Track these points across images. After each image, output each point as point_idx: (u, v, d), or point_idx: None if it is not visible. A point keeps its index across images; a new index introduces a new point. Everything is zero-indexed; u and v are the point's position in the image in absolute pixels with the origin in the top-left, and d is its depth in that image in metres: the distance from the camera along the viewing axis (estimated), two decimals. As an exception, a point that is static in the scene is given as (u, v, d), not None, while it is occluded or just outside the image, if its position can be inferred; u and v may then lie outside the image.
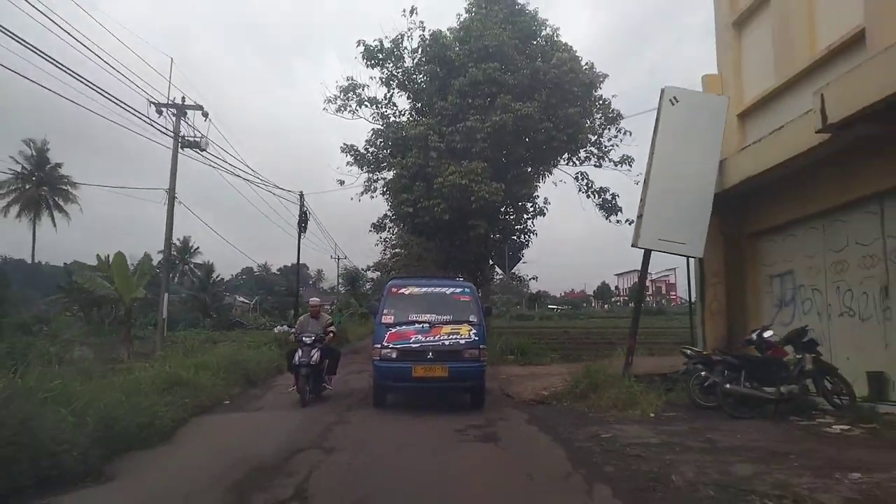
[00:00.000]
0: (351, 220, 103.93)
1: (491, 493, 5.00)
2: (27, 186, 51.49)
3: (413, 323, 9.00)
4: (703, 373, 8.42)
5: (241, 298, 70.15)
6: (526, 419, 8.38)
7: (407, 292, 9.72)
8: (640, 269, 11.39)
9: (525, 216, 20.83)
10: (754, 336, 8.54)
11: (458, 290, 9.80)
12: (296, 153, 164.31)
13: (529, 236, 22.40)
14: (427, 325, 8.94)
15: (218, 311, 48.74)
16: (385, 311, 9.29)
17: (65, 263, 41.88)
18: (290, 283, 49.92)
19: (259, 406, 9.62)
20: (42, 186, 52.25)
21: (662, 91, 9.78)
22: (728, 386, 7.80)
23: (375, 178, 20.97)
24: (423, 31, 19.51)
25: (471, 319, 9.08)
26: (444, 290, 9.77)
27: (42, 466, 4.60)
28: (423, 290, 9.79)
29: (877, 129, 6.85)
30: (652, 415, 8.05)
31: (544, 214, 21.23)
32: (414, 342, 8.76)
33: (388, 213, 22.29)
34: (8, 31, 9.48)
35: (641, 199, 9.83)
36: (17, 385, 5.52)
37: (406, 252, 32.08)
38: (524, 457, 6.22)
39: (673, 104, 9.77)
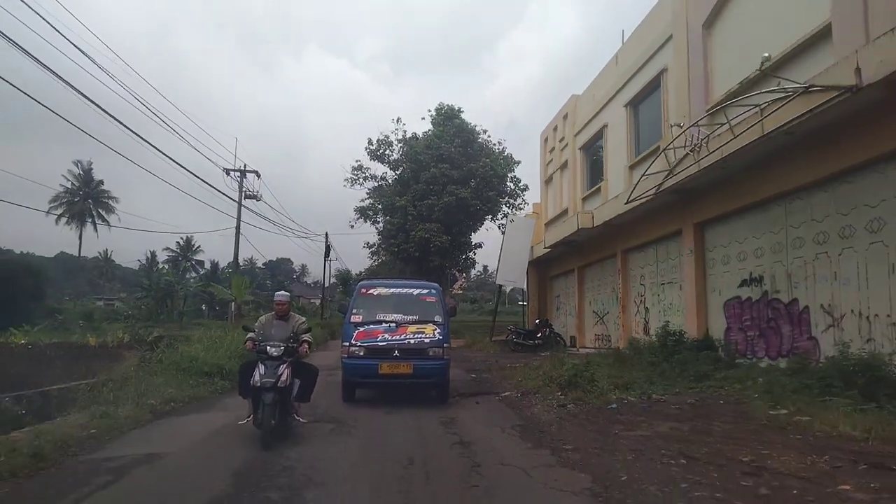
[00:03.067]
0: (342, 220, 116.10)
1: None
2: (76, 199, 62.84)
3: (381, 322, 9.11)
4: (513, 335, 20.96)
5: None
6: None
7: (376, 293, 9.83)
8: (498, 293, 24.20)
9: (465, 254, 33.50)
10: (538, 322, 21.22)
11: (425, 291, 9.96)
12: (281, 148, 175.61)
13: (473, 260, 35.31)
14: (394, 324, 9.06)
15: (220, 304, 60.39)
16: (354, 311, 9.42)
17: (139, 262, 54.90)
18: (276, 276, 61.00)
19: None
20: (88, 200, 63.66)
21: (507, 216, 22.44)
22: (515, 339, 20.36)
23: (377, 221, 33.54)
24: (405, 133, 32.07)
25: (436, 319, 9.27)
26: (411, 290, 9.95)
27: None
28: (391, 290, 9.95)
29: (560, 251, 19.57)
30: (492, 351, 20.57)
31: (481, 246, 34.12)
32: (380, 340, 8.85)
33: (381, 244, 34.72)
34: (110, 114, 21.55)
35: (498, 263, 22.44)
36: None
37: (391, 267, 44.52)
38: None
39: (513, 221, 22.42)
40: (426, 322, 9.22)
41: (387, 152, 32.50)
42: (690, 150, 10.49)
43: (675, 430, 6.66)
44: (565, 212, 20.58)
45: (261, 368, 6.34)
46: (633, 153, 15.45)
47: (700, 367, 10.28)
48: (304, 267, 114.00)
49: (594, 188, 18.20)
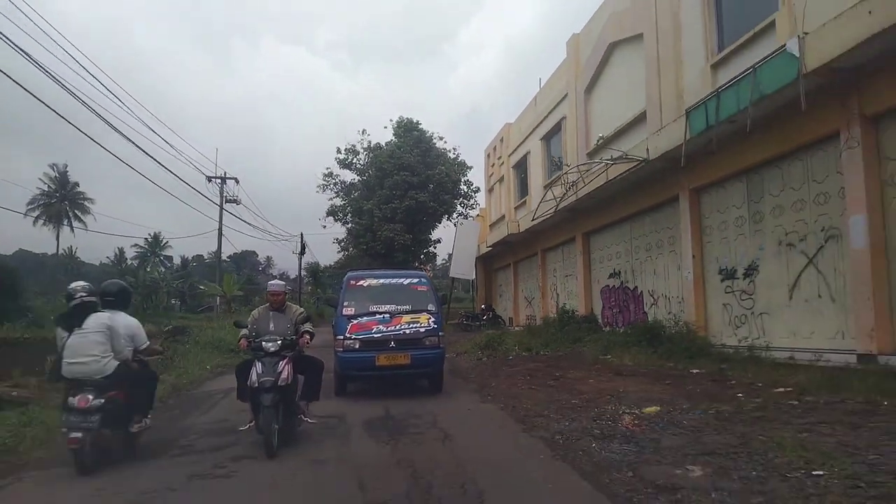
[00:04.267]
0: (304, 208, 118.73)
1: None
2: (52, 201, 64.96)
3: (374, 314, 9.02)
4: (464, 318, 25.63)
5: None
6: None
7: (365, 284, 9.77)
8: (452, 284, 28.89)
9: (425, 248, 38.05)
10: (483, 307, 26.01)
11: (416, 280, 9.96)
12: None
13: (435, 254, 39.92)
14: (388, 315, 8.98)
15: (192, 297, 63.86)
16: (346, 304, 9.31)
17: (108, 258, 57.82)
18: (241, 269, 64.88)
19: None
20: (64, 201, 65.80)
21: (456, 223, 27.08)
22: (465, 321, 25.07)
23: (346, 221, 37.80)
24: (370, 143, 36.35)
25: (429, 308, 9.29)
26: (401, 280, 9.92)
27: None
28: (381, 281, 9.88)
29: (500, 249, 24.37)
30: (448, 332, 25.24)
31: (440, 241, 38.67)
32: (376, 332, 8.75)
33: (349, 242, 38.97)
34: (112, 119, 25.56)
35: (450, 256, 27.09)
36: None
37: (358, 261, 48.84)
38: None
39: (462, 224, 27.09)
40: (419, 311, 9.19)
41: (354, 161, 36.67)
42: (571, 185, 15.26)
43: (538, 368, 11.42)
44: (503, 217, 25.34)
45: (258, 367, 5.68)
46: (547, 176, 20.25)
47: (579, 333, 15.13)
48: (269, 259, 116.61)
49: (522, 200, 22.99)
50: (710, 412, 6.18)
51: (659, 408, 6.53)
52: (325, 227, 37.70)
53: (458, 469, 4.82)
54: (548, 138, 20.37)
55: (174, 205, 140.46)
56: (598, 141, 13.09)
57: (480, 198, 37.67)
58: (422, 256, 37.76)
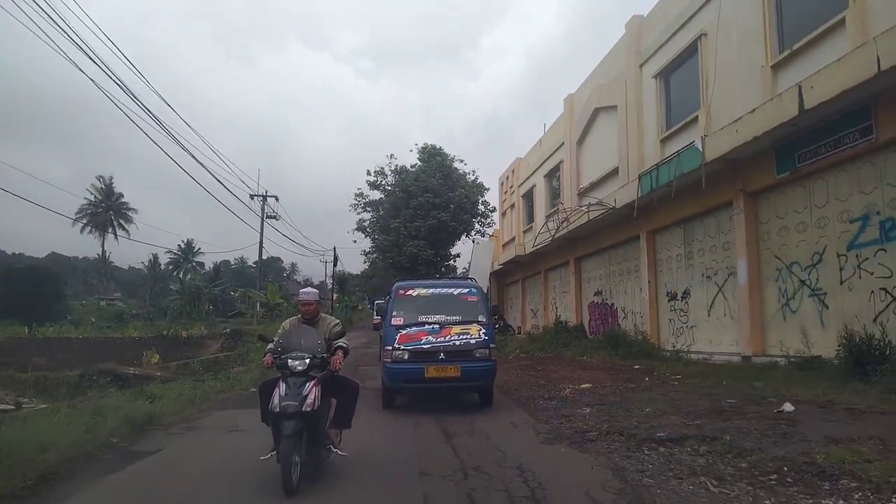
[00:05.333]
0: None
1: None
2: (98, 210, 70.49)
3: (423, 324, 8.89)
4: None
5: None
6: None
7: (414, 294, 9.67)
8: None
9: (446, 262, 42.03)
10: (496, 316, 29.79)
11: (465, 290, 9.80)
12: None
13: (455, 267, 43.91)
14: (437, 325, 8.84)
15: (223, 303, 68.54)
16: (394, 314, 9.21)
17: (142, 263, 63.42)
18: (267, 275, 70.22)
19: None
20: (109, 211, 71.33)
21: (474, 240, 30.92)
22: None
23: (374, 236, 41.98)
24: (397, 167, 40.59)
25: (479, 319, 9.09)
26: (451, 290, 9.81)
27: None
28: (430, 291, 9.81)
29: (510, 267, 28.18)
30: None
31: (459, 256, 42.65)
32: (425, 343, 8.60)
33: (377, 255, 43.12)
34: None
35: (466, 271, 30.94)
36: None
37: (383, 271, 53.00)
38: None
39: (478, 244, 30.95)
40: (470, 322, 8.98)
41: (382, 182, 40.95)
42: (563, 220, 19.03)
43: (528, 364, 15.18)
44: (513, 239, 29.16)
45: (281, 388, 4.94)
46: (549, 207, 24.05)
47: (568, 340, 18.83)
48: (293, 265, 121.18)
49: (529, 226, 26.80)
50: (619, 387, 9.92)
51: (591, 385, 10.30)
52: (354, 241, 42.06)
53: (464, 415, 8.65)
54: (549, 176, 24.20)
55: (205, 214, 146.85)
56: (580, 189, 16.84)
57: (496, 216, 41.62)
58: (442, 269, 41.69)
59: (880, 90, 8.18)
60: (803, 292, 10.33)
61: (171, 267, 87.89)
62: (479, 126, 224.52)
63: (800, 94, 8.92)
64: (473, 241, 35.89)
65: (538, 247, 21.38)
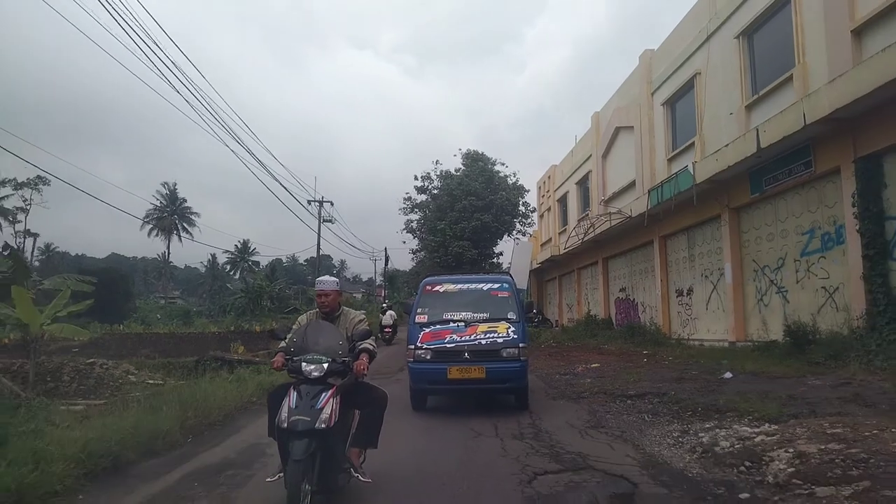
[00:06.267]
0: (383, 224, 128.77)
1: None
2: (164, 215, 76.66)
3: (448, 322, 8.51)
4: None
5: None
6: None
7: (442, 290, 9.25)
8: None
9: (490, 259, 44.94)
10: (534, 310, 32.57)
11: (496, 285, 9.34)
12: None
13: (498, 265, 46.78)
14: (462, 323, 8.45)
15: (279, 300, 73.14)
16: (419, 311, 8.86)
17: (201, 263, 68.30)
18: (318, 272, 75.21)
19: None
20: (174, 216, 77.47)
21: (515, 240, 33.73)
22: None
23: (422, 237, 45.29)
24: (442, 171, 43.75)
25: (509, 316, 8.61)
26: (480, 286, 9.36)
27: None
28: (459, 286, 9.32)
29: (547, 265, 30.89)
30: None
31: (502, 254, 45.46)
32: (448, 342, 8.21)
33: (424, 255, 46.42)
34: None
35: (509, 266, 33.80)
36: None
37: (429, 267, 56.34)
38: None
39: (518, 244, 33.74)
40: (498, 320, 8.51)
41: (429, 186, 44.22)
42: (590, 226, 21.69)
43: (557, 351, 17.98)
44: (550, 240, 31.84)
45: (291, 398, 3.90)
46: (579, 212, 26.64)
47: (596, 331, 21.50)
48: (343, 262, 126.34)
49: (563, 228, 29.44)
50: (621, 366, 12.68)
51: (599, 365, 13.11)
52: (404, 242, 45.50)
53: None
54: (580, 184, 26.81)
55: (259, 216, 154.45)
56: (601, 201, 19.50)
57: (535, 217, 44.23)
58: (486, 266, 44.66)
59: (815, 134, 10.68)
60: (772, 290, 12.85)
61: (227, 266, 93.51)
62: (529, 120, 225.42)
63: (757, 136, 11.48)
64: (515, 241, 38.69)
65: (569, 249, 24.07)
